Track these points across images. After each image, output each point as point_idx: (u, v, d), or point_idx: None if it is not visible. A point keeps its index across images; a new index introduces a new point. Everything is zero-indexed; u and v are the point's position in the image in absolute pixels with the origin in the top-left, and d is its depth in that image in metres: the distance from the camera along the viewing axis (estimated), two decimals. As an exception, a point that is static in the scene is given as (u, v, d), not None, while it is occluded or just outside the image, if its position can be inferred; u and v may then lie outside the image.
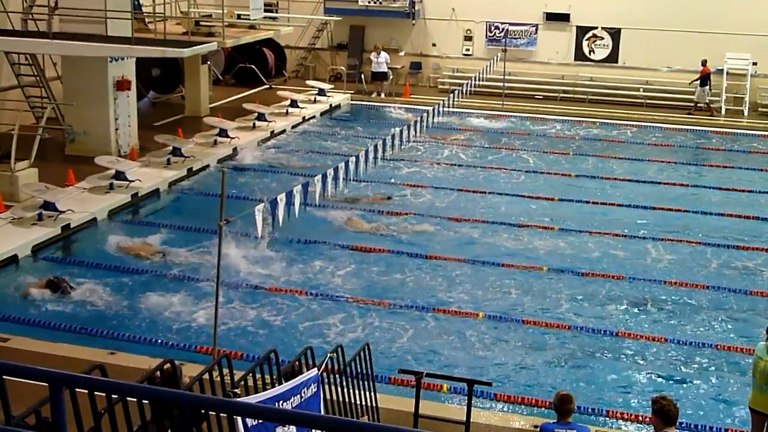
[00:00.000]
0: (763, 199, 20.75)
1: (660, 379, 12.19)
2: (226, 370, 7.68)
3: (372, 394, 9.53)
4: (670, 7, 31.09)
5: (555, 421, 8.53)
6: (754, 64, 30.47)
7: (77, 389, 5.54)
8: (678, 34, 30.88)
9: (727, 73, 30.59)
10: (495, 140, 25.96)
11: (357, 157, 15.64)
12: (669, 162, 23.95)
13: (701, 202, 20.29)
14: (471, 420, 9.56)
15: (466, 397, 9.40)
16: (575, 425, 8.44)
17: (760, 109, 30.58)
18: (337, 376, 8.63)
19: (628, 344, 13.13)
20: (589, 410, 11.06)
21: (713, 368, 12.54)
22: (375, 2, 32.81)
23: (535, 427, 9.24)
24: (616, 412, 11.16)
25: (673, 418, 7.88)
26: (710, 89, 29.85)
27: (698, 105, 30.00)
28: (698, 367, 12.58)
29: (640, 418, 10.87)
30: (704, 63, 29.60)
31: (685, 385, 12.04)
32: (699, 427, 10.82)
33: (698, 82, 29.78)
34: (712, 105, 30.05)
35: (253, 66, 32.23)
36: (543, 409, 10.98)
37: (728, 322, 14.07)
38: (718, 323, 14.04)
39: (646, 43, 31.42)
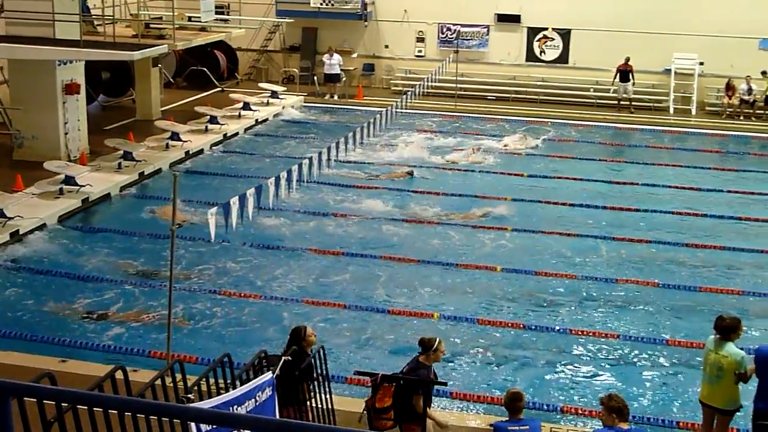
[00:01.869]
0: (712, 196, 21.08)
1: (612, 375, 12.33)
2: (179, 376, 7.62)
3: (328, 396, 9.52)
4: (619, 8, 31.47)
5: (507, 419, 8.61)
6: (701, 64, 30.97)
7: (26, 398, 5.46)
8: (627, 35, 31.26)
9: (675, 73, 31.07)
10: (450, 142, 26.06)
11: (310, 159, 15.62)
12: (619, 161, 24.23)
13: (651, 200, 20.55)
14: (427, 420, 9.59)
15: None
16: (527, 421, 8.51)
17: (707, 108, 31.09)
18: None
19: (580, 341, 13.25)
20: (543, 406, 11.16)
21: (664, 363, 12.71)
22: (327, 4, 32.78)
23: (490, 425, 9.27)
24: (570, 408, 11.28)
25: (625, 415, 7.97)
26: (633, 85, 30.33)
27: (621, 102, 30.47)
28: (649, 362, 12.75)
29: (593, 414, 10.97)
30: (627, 60, 30.08)
31: (636, 380, 12.19)
32: (651, 420, 10.97)
33: (617, 78, 30.26)
34: (632, 102, 30.50)
35: (204, 69, 32.03)
36: (500, 406, 11.03)
37: (678, 318, 14.29)
38: (668, 319, 14.25)
39: (596, 44, 31.77)
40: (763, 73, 29.95)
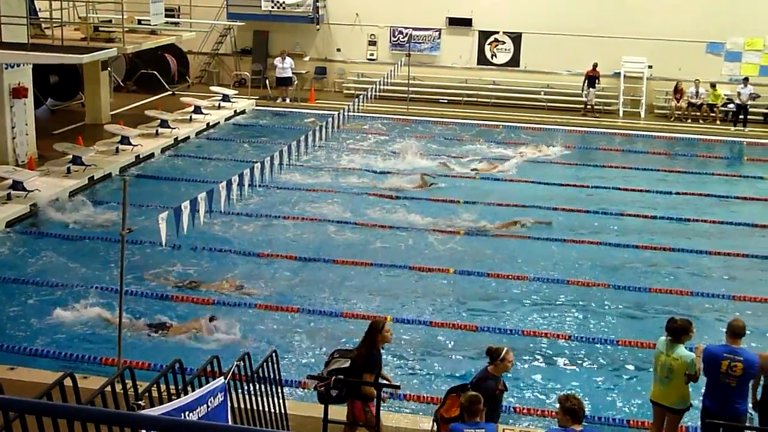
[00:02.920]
0: (660, 198, 21.37)
1: (563, 375, 12.43)
2: (130, 382, 7.54)
3: (280, 400, 9.48)
4: (569, 12, 31.80)
5: (464, 421, 8.63)
6: (650, 67, 31.42)
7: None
8: (577, 38, 31.62)
9: (625, 76, 31.48)
10: (399, 145, 26.10)
11: (262, 163, 15.57)
12: (570, 164, 24.46)
13: (601, 202, 20.78)
14: (381, 423, 9.59)
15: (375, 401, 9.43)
16: (483, 424, 8.53)
17: (656, 111, 31.55)
18: (244, 383, 8.56)
19: (533, 342, 13.34)
20: (504, 410, 11.20)
21: (615, 363, 12.86)
22: (278, 7, 32.68)
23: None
24: (523, 408, 11.35)
25: (578, 416, 8.04)
26: (594, 90, 30.72)
27: (587, 106, 30.85)
28: (601, 362, 12.88)
29: (546, 414, 11.06)
30: (595, 66, 30.46)
31: (587, 380, 12.31)
32: (603, 419, 11.09)
33: (587, 83, 30.63)
34: (595, 106, 30.89)
35: (155, 72, 31.75)
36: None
37: (629, 319, 14.46)
38: (619, 320, 14.41)
39: (547, 47, 32.08)
40: (713, 86, 30.45)
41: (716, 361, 9.37)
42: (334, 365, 9.60)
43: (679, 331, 9.62)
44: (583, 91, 30.92)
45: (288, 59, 31.32)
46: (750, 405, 9.64)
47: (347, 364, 9.49)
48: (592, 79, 30.64)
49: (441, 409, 9.25)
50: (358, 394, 9.44)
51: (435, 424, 9.39)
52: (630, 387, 12.12)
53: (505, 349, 9.26)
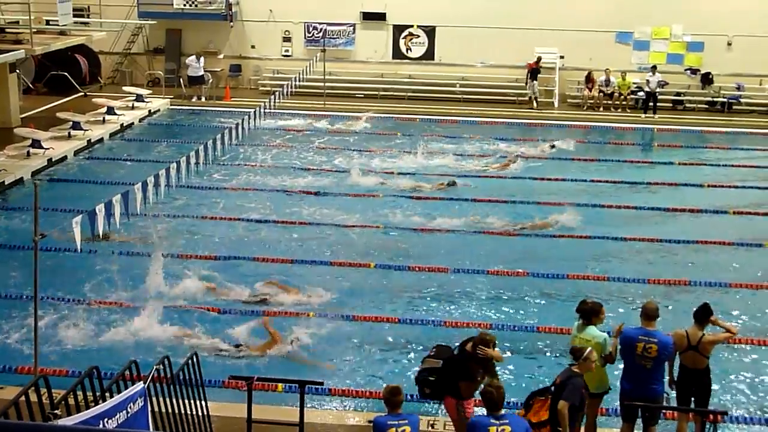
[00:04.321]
0: (574, 186, 21.72)
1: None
2: (45, 391, 7.38)
3: (203, 402, 9.39)
4: (481, 4, 32.12)
5: (386, 413, 8.67)
6: (562, 57, 31.93)
7: None
8: (490, 30, 31.97)
9: (527, 65, 31.89)
10: (316, 141, 26.06)
11: (178, 162, 15.38)
12: (488, 156, 24.68)
13: (518, 191, 21.05)
14: (306, 420, 9.57)
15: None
16: (405, 415, 8.59)
17: (568, 101, 32.11)
18: (165, 387, 8.45)
19: (455, 333, 13.42)
20: (418, 397, 11.28)
21: (535, 349, 13.05)
22: (190, 5, 32.26)
23: (369, 422, 9.33)
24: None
25: (497, 402, 8.15)
26: (536, 83, 31.17)
27: (531, 98, 31.29)
28: (523, 349, 13.06)
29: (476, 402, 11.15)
30: (538, 60, 30.91)
31: (509, 368, 12.45)
32: (522, 404, 11.21)
33: (529, 75, 31.06)
34: (537, 98, 31.37)
35: (65, 73, 31.04)
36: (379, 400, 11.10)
37: (548, 306, 14.69)
38: (537, 307, 14.63)
39: (460, 40, 32.37)
40: (623, 76, 31.12)
41: (632, 343, 9.60)
42: (426, 364, 9.73)
43: (589, 312, 9.84)
44: (527, 84, 31.29)
45: (202, 58, 31.00)
46: (667, 384, 9.91)
47: (440, 365, 9.58)
48: (534, 71, 31.03)
49: (528, 414, 9.26)
50: (451, 392, 9.48)
51: None
52: (550, 372, 12.27)
53: (588, 348, 9.27)
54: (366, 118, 28.26)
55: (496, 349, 9.64)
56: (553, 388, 9.26)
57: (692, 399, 9.97)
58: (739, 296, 15.21)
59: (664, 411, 9.90)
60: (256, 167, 22.77)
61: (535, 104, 31.16)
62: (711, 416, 9.07)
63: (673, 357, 9.94)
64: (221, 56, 33.45)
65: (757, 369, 12.65)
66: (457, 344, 9.89)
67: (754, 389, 12.09)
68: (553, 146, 25.40)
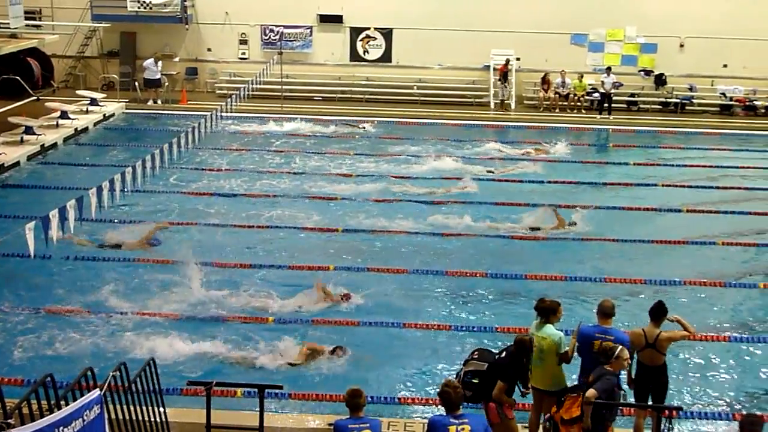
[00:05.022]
0: (532, 187, 21.85)
1: (446, 364, 12.57)
2: None
3: (161, 409, 9.30)
4: (438, 7, 32.29)
5: (348, 416, 8.63)
6: (518, 59, 32.15)
7: None
8: (447, 32, 32.13)
9: (494, 68, 32.11)
10: (275, 144, 25.98)
11: (133, 167, 15.24)
12: (446, 156, 24.75)
13: (478, 194, 21.11)
14: (266, 425, 9.53)
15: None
16: (367, 419, 8.55)
17: (525, 102, 32.34)
18: (122, 394, 8.35)
19: (414, 334, 13.45)
20: (381, 399, 11.29)
21: (495, 350, 13.05)
22: (145, 7, 31.96)
23: (330, 425, 9.30)
24: (407, 399, 11.45)
25: (455, 402, 8.17)
26: (509, 86, 31.37)
27: (504, 101, 31.44)
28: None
29: (429, 402, 11.19)
30: (507, 62, 31.07)
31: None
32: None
33: (500, 80, 31.26)
34: (506, 101, 31.55)
35: (17, 77, 30.57)
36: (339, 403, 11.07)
37: (507, 306, 14.75)
38: (497, 307, 14.68)
39: (417, 42, 32.50)
40: (580, 78, 31.44)
41: (589, 341, 9.68)
42: (471, 366, 9.63)
43: (547, 311, 9.91)
44: (501, 87, 31.44)
45: (159, 62, 30.77)
46: (625, 382, 10.01)
47: (484, 368, 9.52)
48: (504, 74, 31.20)
49: (560, 411, 9.29)
50: (491, 397, 9.43)
51: (551, 427, 9.47)
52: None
53: (620, 347, 9.31)
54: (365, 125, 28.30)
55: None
56: (584, 385, 9.38)
57: (649, 395, 10.08)
58: (692, 293, 15.40)
59: (621, 407, 9.98)
60: (213, 171, 22.61)
61: (512, 106, 31.32)
62: (667, 412, 9.18)
63: (631, 356, 10.03)
64: (177, 59, 33.22)
65: (710, 365, 12.82)
66: (497, 350, 9.80)
67: (708, 385, 12.25)
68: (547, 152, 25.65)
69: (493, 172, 21.51)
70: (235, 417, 10.46)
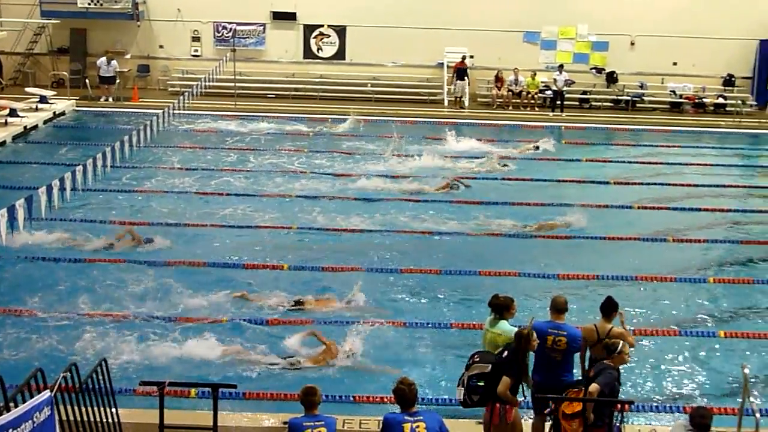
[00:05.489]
0: (487, 184, 21.95)
1: (402, 361, 12.57)
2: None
3: (113, 409, 9.19)
4: (391, 4, 32.39)
5: (303, 414, 8.61)
6: (471, 57, 32.30)
7: None
8: (400, 30, 32.20)
9: (448, 66, 32.25)
10: (227, 142, 25.82)
11: (84, 165, 15.04)
12: (398, 154, 24.79)
13: (429, 192, 21.15)
14: (220, 424, 9.45)
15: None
16: (322, 417, 8.53)
17: (479, 100, 32.51)
18: (73, 395, 8.24)
19: (370, 331, 13.42)
20: (336, 398, 11.27)
21: (451, 346, 13.11)
22: (95, 4, 31.59)
23: (285, 423, 9.26)
24: (362, 397, 11.44)
25: (409, 399, 8.18)
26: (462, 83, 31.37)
27: (460, 98, 31.53)
28: (437, 345, 13.11)
29: (384, 400, 11.19)
30: (463, 59, 31.20)
31: (425, 365, 12.53)
32: (440, 401, 11.32)
33: (455, 76, 31.31)
34: (462, 98, 31.64)
35: (-36, 75, 30.13)
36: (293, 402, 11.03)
37: (461, 302, 14.80)
38: (451, 304, 14.73)
39: (371, 39, 32.52)
40: (533, 75, 31.71)
41: (542, 336, 9.75)
42: (474, 370, 9.51)
43: (501, 307, 9.96)
44: (452, 84, 31.53)
45: (113, 62, 30.42)
46: (580, 376, 10.09)
47: (488, 369, 9.42)
48: (460, 71, 31.31)
49: (561, 406, 9.28)
50: (497, 398, 9.37)
51: (553, 422, 9.47)
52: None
53: (621, 342, 9.42)
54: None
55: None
56: (585, 380, 9.47)
57: (567, 391, 10.17)
58: (644, 289, 15.60)
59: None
60: (166, 169, 22.42)
61: (466, 103, 31.45)
62: (618, 406, 9.28)
63: (583, 351, 10.13)
64: (128, 56, 32.90)
65: (662, 359, 12.98)
66: (499, 350, 9.75)
67: (660, 378, 12.41)
68: (537, 147, 25.67)
69: (460, 183, 21.61)
70: (189, 416, 10.37)
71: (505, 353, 9.44)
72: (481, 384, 9.43)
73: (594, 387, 9.07)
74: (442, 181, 21.66)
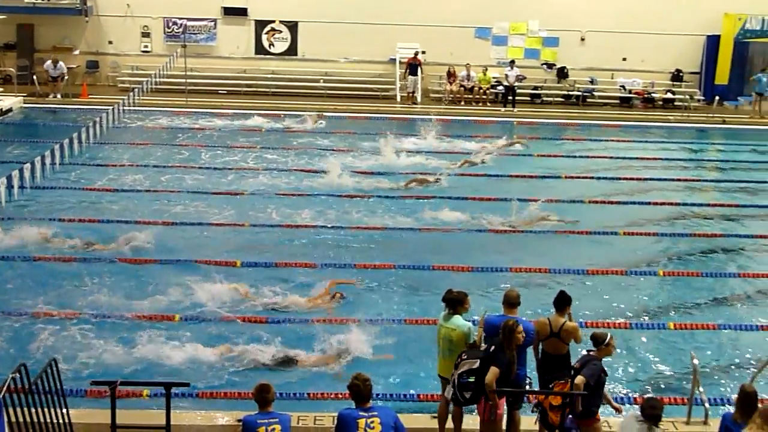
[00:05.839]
0: (441, 180, 21.96)
1: (355, 358, 12.55)
2: None
3: (64, 410, 9.07)
4: (343, 0, 32.25)
5: (257, 412, 8.58)
6: (423, 52, 32.37)
7: None
8: (352, 25, 32.17)
9: (400, 62, 32.29)
10: (177, 138, 25.60)
11: (33, 163, 14.82)
12: (347, 150, 24.77)
13: (383, 187, 21.18)
14: (174, 423, 9.37)
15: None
16: (276, 414, 8.52)
17: (431, 95, 32.60)
18: (22, 397, 8.11)
19: (321, 329, 13.38)
20: (292, 395, 11.24)
21: (405, 341, 13.13)
22: (43, -1, 31.11)
23: (239, 421, 9.22)
24: (315, 394, 11.42)
25: (364, 395, 8.19)
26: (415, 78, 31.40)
27: (412, 94, 31.54)
28: (390, 341, 13.12)
29: (339, 396, 11.17)
30: (416, 54, 31.21)
31: (381, 360, 12.52)
32: (394, 396, 11.34)
33: (408, 71, 31.31)
34: (415, 93, 31.66)
35: None
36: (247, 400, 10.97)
37: (414, 297, 14.83)
38: (404, 299, 14.74)
39: (323, 35, 32.45)
40: (485, 71, 31.91)
41: (495, 330, 9.80)
42: (463, 367, 9.46)
43: (454, 302, 10.00)
44: (404, 80, 31.53)
45: (60, 63, 29.97)
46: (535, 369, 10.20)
47: (477, 365, 9.39)
48: (413, 66, 31.33)
49: (549, 397, 9.40)
50: (488, 395, 9.37)
51: (540, 413, 9.55)
52: (419, 363, 12.40)
53: (609, 335, 9.56)
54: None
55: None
56: (572, 371, 9.54)
57: (553, 383, 10.27)
58: (596, 282, 15.77)
59: (527, 394, 10.16)
60: (116, 166, 22.15)
61: (418, 99, 31.50)
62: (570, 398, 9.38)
63: (536, 344, 10.21)
64: (77, 52, 32.45)
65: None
66: (485, 345, 9.75)
67: (611, 370, 12.44)
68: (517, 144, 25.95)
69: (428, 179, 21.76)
70: (142, 416, 10.27)
71: (492, 348, 9.50)
72: (472, 380, 9.47)
73: (579, 379, 9.21)
74: (405, 179, 21.69)
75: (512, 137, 26.95)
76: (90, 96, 30.02)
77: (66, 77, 30.48)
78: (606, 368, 9.69)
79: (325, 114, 28.63)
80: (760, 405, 8.08)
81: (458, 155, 24.46)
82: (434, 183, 21.52)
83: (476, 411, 9.86)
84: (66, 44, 32.18)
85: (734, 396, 8.59)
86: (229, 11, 32.60)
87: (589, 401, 9.35)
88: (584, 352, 9.73)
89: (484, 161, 23.83)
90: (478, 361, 9.47)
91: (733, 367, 12.89)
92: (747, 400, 8.28)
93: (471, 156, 24.27)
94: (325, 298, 14.47)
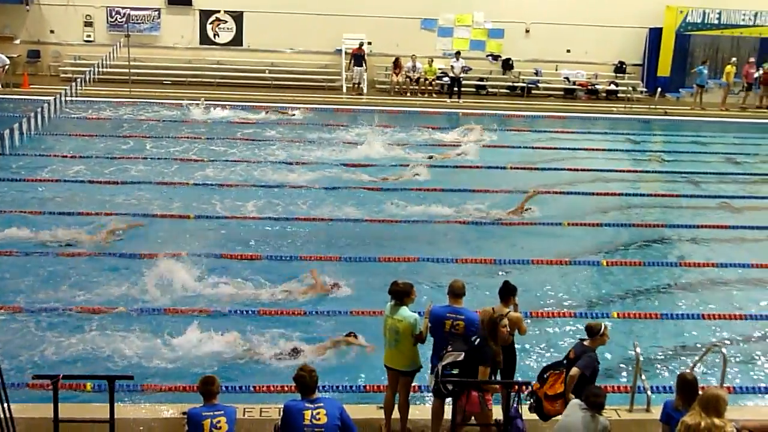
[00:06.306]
0: (388, 171, 22.04)
1: (302, 350, 12.54)
2: None
3: (5, 404, 8.93)
4: (289, -10, 32.16)
5: (201, 404, 8.55)
6: (369, 43, 32.37)
7: None
8: (298, 16, 32.05)
9: (346, 53, 32.25)
10: (121, 129, 25.29)
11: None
12: (296, 142, 24.71)
13: (327, 179, 21.18)
14: (118, 416, 9.28)
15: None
16: (221, 406, 8.48)
17: (377, 86, 32.62)
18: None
19: (269, 321, 13.36)
20: (236, 388, 11.22)
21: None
22: (-19, -14, 30.48)
23: (184, 413, 9.17)
24: (261, 387, 11.40)
25: (310, 386, 8.19)
26: (365, 69, 31.37)
27: (358, 85, 31.50)
28: (335, 333, 13.12)
29: (284, 389, 11.17)
30: (360, 45, 31.15)
31: (329, 353, 12.53)
32: (341, 387, 11.37)
33: (353, 62, 31.24)
34: (361, 84, 31.64)
35: None
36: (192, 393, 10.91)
37: (360, 289, 14.84)
38: (355, 290, 14.74)
39: (269, 25, 32.27)
40: (430, 62, 32.04)
41: (440, 321, 9.88)
42: (448, 359, 9.44)
43: (401, 293, 10.01)
44: (350, 71, 31.46)
45: (1, 55, 29.39)
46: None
47: (461, 358, 9.37)
48: (357, 57, 31.27)
49: (543, 387, 9.47)
50: (474, 386, 9.32)
51: (534, 403, 9.64)
52: (366, 354, 12.45)
53: (603, 325, 9.65)
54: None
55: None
56: (566, 361, 9.63)
57: (499, 371, 10.36)
58: (540, 272, 15.94)
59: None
60: (59, 157, 21.81)
61: (364, 90, 31.47)
62: (516, 387, 9.48)
63: (481, 334, 10.27)
64: (17, 41, 31.87)
65: (557, 340, 13.29)
66: (473, 337, 9.72)
67: (554, 360, 12.69)
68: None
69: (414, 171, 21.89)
70: (86, 409, 10.16)
71: (477, 341, 9.53)
72: (456, 372, 9.49)
73: (574, 371, 9.35)
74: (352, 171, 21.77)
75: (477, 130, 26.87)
76: (31, 86, 29.50)
77: (7, 67, 29.90)
78: (551, 357, 9.84)
79: (290, 107, 28.54)
80: (700, 392, 8.25)
81: (408, 147, 24.51)
82: (382, 176, 21.53)
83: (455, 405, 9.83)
84: (6, 33, 31.57)
85: (675, 383, 8.75)
86: (173, 1, 32.25)
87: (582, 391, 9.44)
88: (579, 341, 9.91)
89: (432, 156, 23.85)
90: (463, 353, 9.53)
91: (674, 355, 13.14)
92: (687, 387, 8.45)
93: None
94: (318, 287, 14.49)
